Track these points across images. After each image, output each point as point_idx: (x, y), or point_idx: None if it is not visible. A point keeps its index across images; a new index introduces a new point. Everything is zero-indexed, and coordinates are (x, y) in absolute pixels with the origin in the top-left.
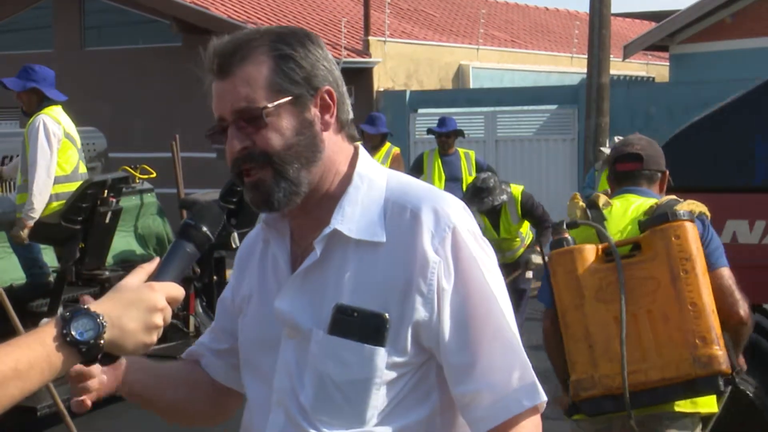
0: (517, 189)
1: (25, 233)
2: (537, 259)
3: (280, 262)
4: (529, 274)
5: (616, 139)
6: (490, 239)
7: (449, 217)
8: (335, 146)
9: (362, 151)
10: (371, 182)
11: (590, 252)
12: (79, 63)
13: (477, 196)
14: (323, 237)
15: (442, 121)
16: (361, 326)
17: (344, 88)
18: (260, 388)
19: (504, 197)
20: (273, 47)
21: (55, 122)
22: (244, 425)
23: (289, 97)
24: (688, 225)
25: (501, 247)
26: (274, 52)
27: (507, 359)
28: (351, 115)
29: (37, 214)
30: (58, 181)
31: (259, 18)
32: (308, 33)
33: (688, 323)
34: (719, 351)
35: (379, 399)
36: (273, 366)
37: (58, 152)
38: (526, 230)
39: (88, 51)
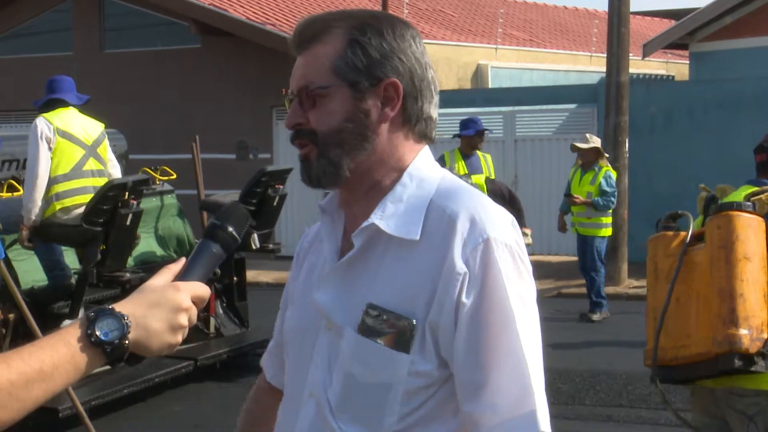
0: (479, 179)
1: (24, 235)
2: (528, 239)
3: (327, 253)
4: None
5: (588, 135)
6: None
7: (485, 228)
8: (395, 140)
9: (424, 152)
10: (421, 182)
11: (670, 239)
12: (98, 65)
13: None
14: (360, 230)
15: (475, 121)
16: (389, 330)
17: (426, 83)
18: (297, 375)
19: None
20: (349, 32)
21: (46, 123)
22: (280, 410)
23: (346, 83)
24: (735, 215)
25: None
26: (347, 36)
27: (513, 384)
28: (430, 114)
29: (32, 215)
30: (57, 180)
31: (277, 19)
32: (395, 23)
33: (715, 306)
34: (739, 331)
35: (401, 406)
36: (311, 355)
37: (54, 152)
38: None
39: (108, 53)
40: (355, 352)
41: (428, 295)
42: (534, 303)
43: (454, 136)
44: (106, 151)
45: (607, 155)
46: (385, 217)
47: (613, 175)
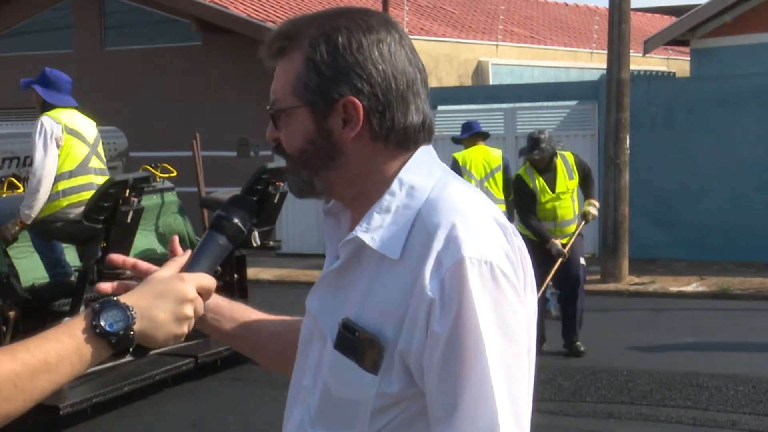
0: (567, 152)
1: (17, 230)
2: (594, 210)
3: (327, 257)
4: (582, 261)
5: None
6: (547, 200)
7: (461, 246)
8: (370, 152)
9: (416, 157)
10: (411, 190)
11: None
12: (99, 63)
13: (537, 146)
14: (345, 242)
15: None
16: (359, 348)
17: (396, 94)
18: (296, 378)
19: (560, 146)
20: (306, 48)
21: (54, 122)
22: (286, 408)
23: (305, 104)
24: None
25: (557, 212)
26: (304, 53)
27: (481, 417)
28: (408, 122)
29: (32, 212)
30: (62, 177)
31: (278, 17)
32: (354, 31)
33: None
34: None
35: (370, 424)
36: (307, 359)
37: (62, 149)
38: (577, 201)
39: (109, 51)
40: (331, 366)
41: (399, 318)
42: (519, 326)
43: (473, 134)
44: (103, 149)
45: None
46: (370, 230)
47: None
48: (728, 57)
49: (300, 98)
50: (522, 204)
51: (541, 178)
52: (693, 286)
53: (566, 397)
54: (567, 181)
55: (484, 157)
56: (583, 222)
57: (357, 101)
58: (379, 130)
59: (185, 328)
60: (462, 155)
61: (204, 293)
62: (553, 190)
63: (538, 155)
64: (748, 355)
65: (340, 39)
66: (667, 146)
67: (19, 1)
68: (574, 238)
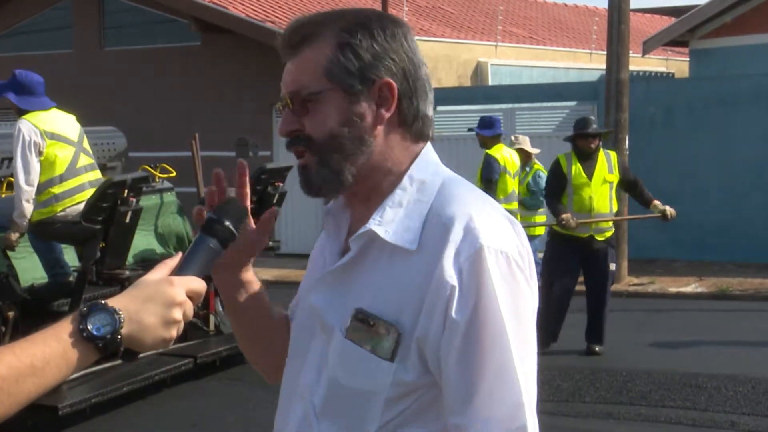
0: (612, 151)
1: (15, 237)
2: (673, 211)
3: (328, 255)
4: (612, 266)
5: (513, 137)
6: (581, 184)
7: (479, 236)
8: (392, 142)
9: (426, 152)
10: (422, 185)
11: None
12: (98, 63)
13: (589, 125)
14: (358, 236)
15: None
16: (375, 336)
17: (420, 82)
18: (290, 375)
19: (606, 130)
20: (339, 34)
21: (32, 127)
22: (278, 410)
23: (339, 87)
24: None
25: (593, 203)
26: (337, 39)
27: (505, 399)
28: (426, 112)
29: (25, 220)
30: (53, 183)
31: (277, 17)
32: (385, 22)
33: None
34: None
35: (382, 414)
36: (305, 356)
37: (46, 155)
38: (617, 206)
39: (108, 51)
40: (341, 357)
41: (416, 306)
42: (530, 315)
43: (496, 135)
44: (88, 142)
45: (536, 151)
46: (383, 223)
47: (543, 173)
48: (727, 57)
49: (335, 81)
50: (552, 186)
51: (579, 165)
52: (692, 286)
53: (565, 397)
54: (606, 173)
55: (512, 157)
56: (661, 218)
57: (393, 83)
58: (407, 114)
59: (174, 332)
60: (499, 154)
61: (194, 297)
62: (589, 178)
63: (593, 130)
64: (748, 355)
65: (374, 26)
66: (666, 147)
67: (19, 1)
68: (608, 240)
